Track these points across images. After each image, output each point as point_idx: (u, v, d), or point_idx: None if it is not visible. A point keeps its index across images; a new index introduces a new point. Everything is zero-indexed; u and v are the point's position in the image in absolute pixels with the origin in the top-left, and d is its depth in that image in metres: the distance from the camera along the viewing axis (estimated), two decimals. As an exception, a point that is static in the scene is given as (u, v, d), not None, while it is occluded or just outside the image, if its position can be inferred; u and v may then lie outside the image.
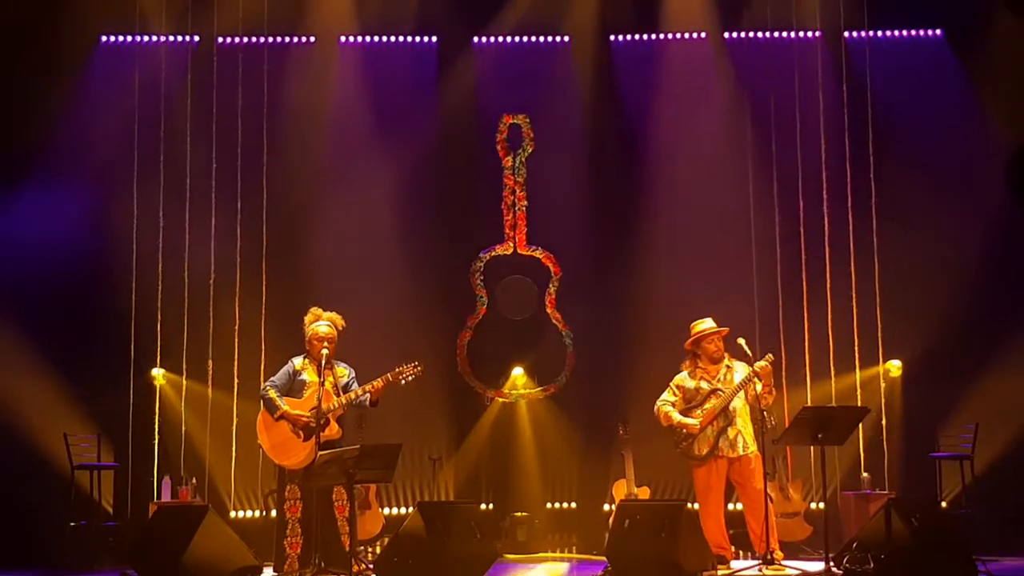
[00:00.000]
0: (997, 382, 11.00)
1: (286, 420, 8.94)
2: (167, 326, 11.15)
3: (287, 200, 11.55)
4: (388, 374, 8.97)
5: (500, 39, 12.03)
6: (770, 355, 9.36)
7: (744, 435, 9.31)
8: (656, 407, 9.55)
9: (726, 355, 9.52)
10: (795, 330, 11.31)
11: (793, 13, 11.68)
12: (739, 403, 9.36)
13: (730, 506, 10.15)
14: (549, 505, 11.63)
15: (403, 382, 9.03)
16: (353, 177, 11.64)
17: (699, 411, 9.39)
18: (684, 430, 9.39)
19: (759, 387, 9.20)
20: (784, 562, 9.07)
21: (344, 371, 9.18)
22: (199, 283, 11.21)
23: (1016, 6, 11.16)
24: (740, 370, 9.45)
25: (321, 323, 9.14)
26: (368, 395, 8.96)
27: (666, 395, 9.57)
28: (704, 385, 9.44)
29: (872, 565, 8.38)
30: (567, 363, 11.75)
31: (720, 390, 9.36)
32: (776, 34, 11.85)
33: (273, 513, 10.80)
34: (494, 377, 11.76)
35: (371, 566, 8.81)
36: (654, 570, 8.35)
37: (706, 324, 9.55)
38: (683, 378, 9.56)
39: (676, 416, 9.44)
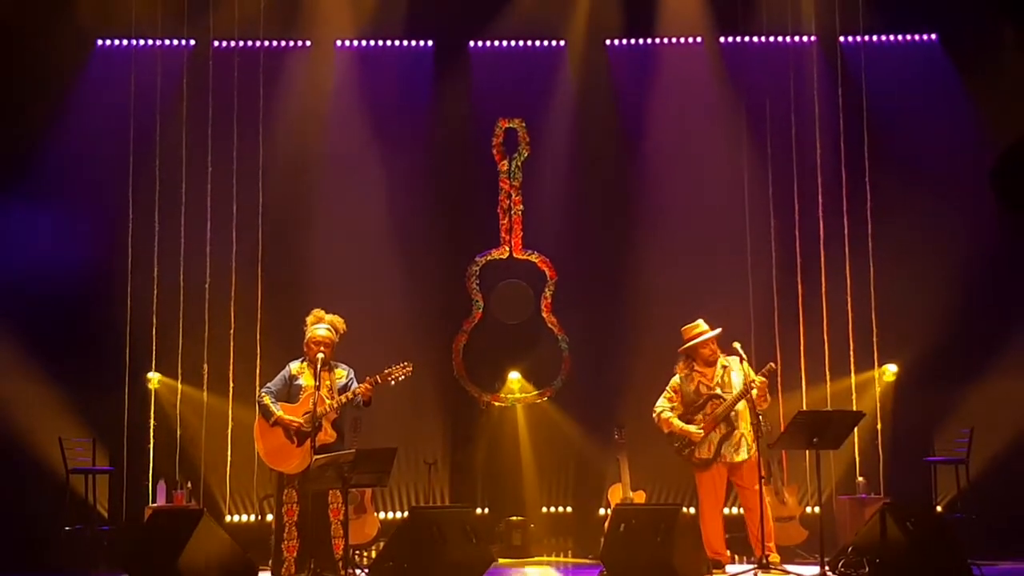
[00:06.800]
0: (992, 386, 11.02)
1: (280, 426, 8.94)
2: (162, 330, 11.14)
3: (282, 204, 11.54)
4: (377, 375, 8.96)
5: (496, 43, 12.04)
6: (771, 365, 9.34)
7: (747, 438, 9.15)
8: (655, 413, 9.41)
9: (720, 356, 9.41)
10: (790, 334, 11.31)
11: (788, 18, 11.68)
12: (741, 406, 9.21)
13: (726, 510, 10.12)
14: (545, 509, 11.64)
15: (393, 383, 9.03)
16: (349, 181, 11.64)
17: (701, 416, 9.27)
18: (686, 438, 9.30)
19: (755, 393, 9.19)
20: (780, 566, 9.06)
21: (343, 372, 9.17)
22: (194, 287, 11.21)
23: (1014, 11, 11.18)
24: (736, 368, 9.32)
25: (320, 326, 9.12)
26: (359, 396, 8.96)
27: (663, 401, 9.42)
28: (703, 388, 9.31)
29: (867, 569, 8.39)
30: (563, 367, 11.75)
31: (720, 396, 9.22)
32: (771, 39, 11.84)
33: (268, 517, 10.83)
34: (490, 381, 11.76)
35: (365, 570, 8.79)
36: (649, 574, 8.34)
37: (698, 329, 9.42)
38: (679, 381, 9.42)
39: (677, 423, 9.29)
